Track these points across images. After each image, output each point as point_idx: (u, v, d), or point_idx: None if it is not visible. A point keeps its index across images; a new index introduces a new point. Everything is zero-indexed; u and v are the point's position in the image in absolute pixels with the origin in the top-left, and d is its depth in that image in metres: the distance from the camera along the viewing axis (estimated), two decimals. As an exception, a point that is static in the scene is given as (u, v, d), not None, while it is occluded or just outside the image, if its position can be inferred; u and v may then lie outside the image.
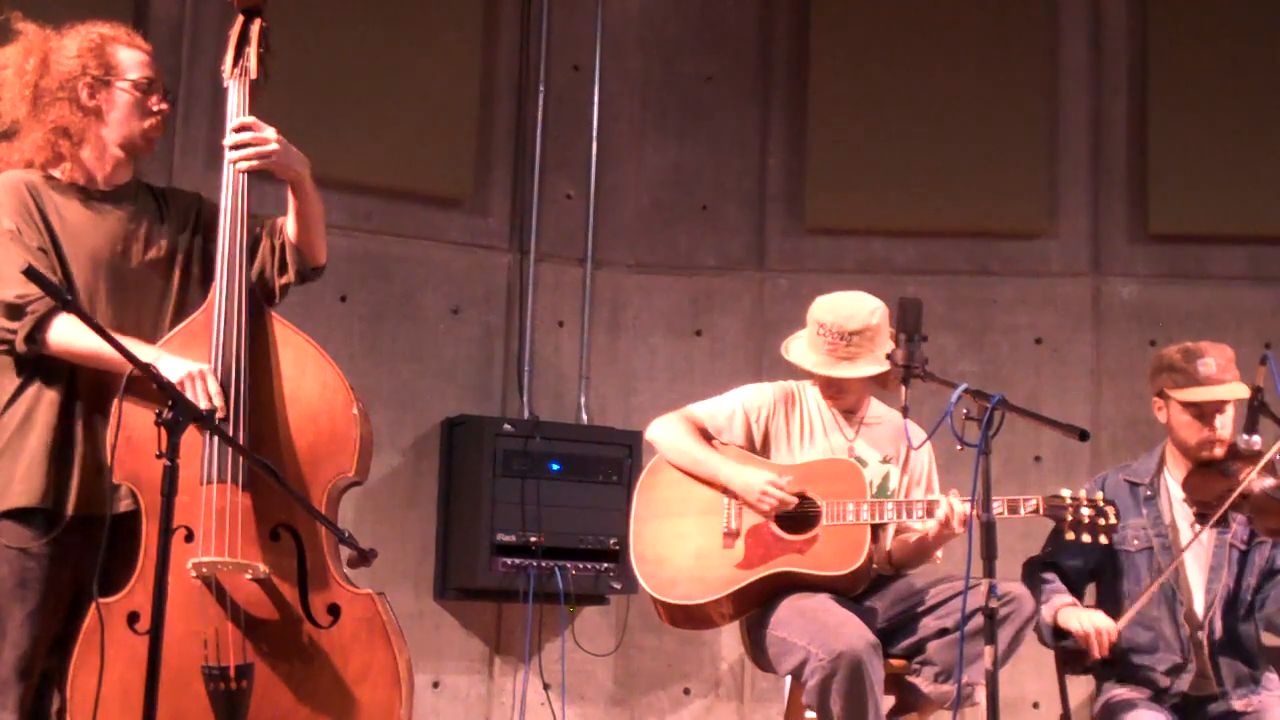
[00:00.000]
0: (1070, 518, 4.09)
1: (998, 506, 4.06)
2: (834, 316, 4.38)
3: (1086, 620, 4.25)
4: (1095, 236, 6.52)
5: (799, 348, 4.50)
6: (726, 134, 6.75)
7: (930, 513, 4.20)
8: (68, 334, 3.53)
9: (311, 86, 5.75)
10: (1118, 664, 4.40)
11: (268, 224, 3.83)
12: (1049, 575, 4.43)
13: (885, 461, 4.46)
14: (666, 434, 4.47)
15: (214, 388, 3.56)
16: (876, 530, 4.29)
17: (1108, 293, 6.50)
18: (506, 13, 6.56)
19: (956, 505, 4.14)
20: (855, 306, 4.41)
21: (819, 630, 4.10)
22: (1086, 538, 4.10)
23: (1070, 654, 4.39)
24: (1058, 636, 4.35)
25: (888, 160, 6.52)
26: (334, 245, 5.78)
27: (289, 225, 3.81)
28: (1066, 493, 4.12)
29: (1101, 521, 4.08)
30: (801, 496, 4.30)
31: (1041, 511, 4.12)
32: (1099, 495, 4.14)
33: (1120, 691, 4.35)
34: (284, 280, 3.80)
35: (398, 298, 6.25)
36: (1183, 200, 6.42)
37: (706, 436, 4.46)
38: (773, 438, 4.45)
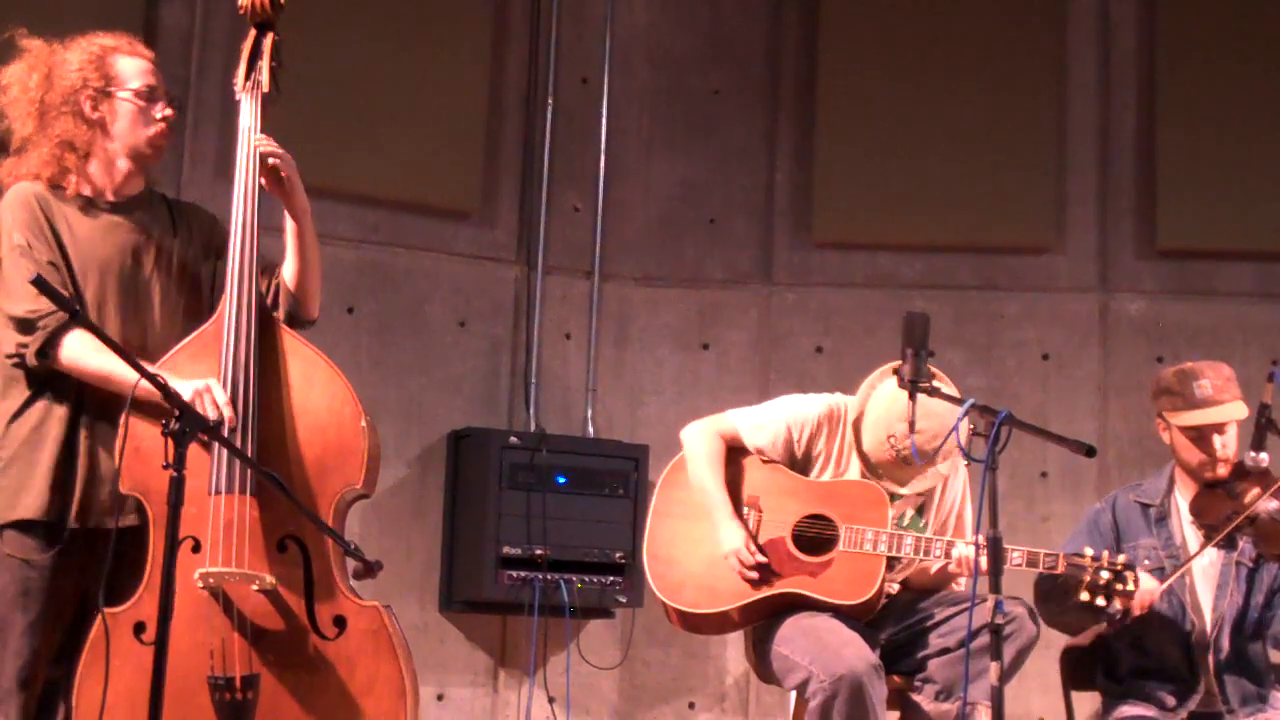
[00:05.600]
0: (1088, 579, 4.04)
1: (1017, 558, 4.05)
2: (921, 437, 4.07)
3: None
4: (1103, 252, 6.51)
5: (870, 431, 4.32)
6: (734, 147, 6.75)
7: (948, 554, 4.19)
8: (79, 352, 3.54)
9: (321, 99, 5.76)
10: (1124, 683, 4.40)
11: (272, 265, 3.85)
12: None
13: (920, 495, 4.42)
14: (694, 445, 4.43)
15: (222, 398, 3.57)
16: (892, 561, 4.26)
17: (1115, 308, 6.50)
18: (515, 26, 6.58)
19: (965, 553, 4.11)
20: (941, 423, 4.10)
21: (821, 651, 4.09)
22: (1101, 601, 4.06)
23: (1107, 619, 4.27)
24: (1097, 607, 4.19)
25: (895, 174, 6.52)
26: (341, 257, 5.87)
27: (287, 269, 3.82)
28: (1089, 552, 4.07)
29: (1119, 586, 4.02)
30: (820, 517, 4.29)
31: (1060, 570, 4.08)
32: (1121, 559, 4.07)
33: (1128, 710, 4.33)
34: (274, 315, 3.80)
35: (405, 310, 6.25)
36: (1191, 216, 6.42)
37: (740, 449, 4.41)
38: (813, 457, 4.40)
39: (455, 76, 6.35)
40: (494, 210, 6.48)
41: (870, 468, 4.32)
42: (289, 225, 3.81)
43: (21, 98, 3.71)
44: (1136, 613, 4.17)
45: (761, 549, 4.29)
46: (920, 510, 4.42)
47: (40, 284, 3.19)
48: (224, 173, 5.60)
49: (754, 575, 4.27)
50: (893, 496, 4.33)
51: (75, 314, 3.27)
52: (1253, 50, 6.45)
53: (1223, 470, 4.28)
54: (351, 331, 6.07)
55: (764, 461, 4.39)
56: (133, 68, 3.77)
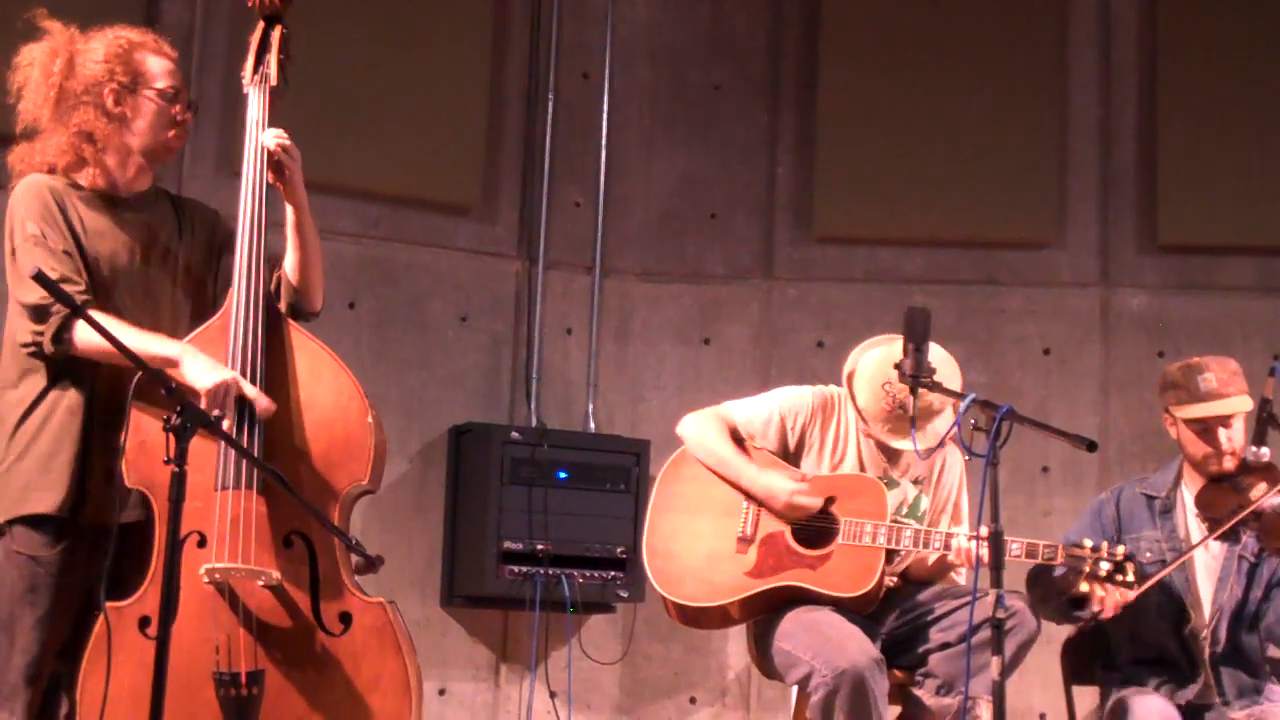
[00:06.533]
0: (1087, 569, 4.04)
1: (1015, 549, 4.05)
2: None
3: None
4: (1104, 247, 6.51)
5: (865, 386, 4.34)
6: (735, 143, 6.75)
7: (948, 546, 4.20)
8: (93, 333, 3.53)
9: (322, 94, 5.75)
10: (1123, 671, 4.41)
11: (276, 259, 3.85)
12: None
13: (917, 483, 4.44)
14: (697, 430, 4.44)
15: (250, 390, 3.56)
16: (891, 553, 4.28)
17: (1116, 303, 6.50)
18: (516, 22, 6.57)
19: (965, 546, 4.13)
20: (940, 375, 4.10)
21: (823, 645, 4.10)
22: (1100, 592, 4.08)
23: (1076, 621, 4.33)
24: (1073, 606, 4.27)
25: (896, 169, 6.52)
26: (342, 252, 5.87)
27: (288, 261, 3.82)
28: (1088, 543, 4.08)
29: (1119, 578, 4.03)
30: (820, 510, 4.30)
31: (1059, 561, 4.09)
32: (1120, 550, 4.10)
33: (1130, 690, 4.33)
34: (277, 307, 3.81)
35: (406, 305, 6.25)
36: (1192, 211, 6.42)
37: (738, 438, 4.43)
38: (806, 446, 4.41)
39: (456, 72, 6.35)
40: (495, 205, 6.48)
41: (866, 421, 4.31)
42: (289, 217, 3.81)
43: (41, 80, 3.69)
44: (1108, 614, 4.18)
45: (760, 543, 4.31)
46: (920, 492, 4.43)
47: (41, 279, 3.19)
48: (225, 168, 5.61)
49: (819, 504, 4.24)
50: (889, 483, 4.34)
51: (77, 309, 3.27)
52: (1253, 46, 6.45)
53: (1229, 464, 4.30)
54: (352, 327, 6.07)
55: (759, 452, 4.40)
56: (159, 67, 3.78)
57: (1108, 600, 4.13)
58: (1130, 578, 4.05)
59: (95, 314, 3.42)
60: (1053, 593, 4.27)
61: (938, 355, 4.17)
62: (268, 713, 3.52)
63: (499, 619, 6.25)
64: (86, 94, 3.69)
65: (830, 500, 4.29)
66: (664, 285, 6.69)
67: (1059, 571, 4.25)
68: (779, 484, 4.29)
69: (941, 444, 4.23)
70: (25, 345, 3.60)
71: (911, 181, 6.50)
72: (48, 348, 3.56)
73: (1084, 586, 4.09)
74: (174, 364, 3.48)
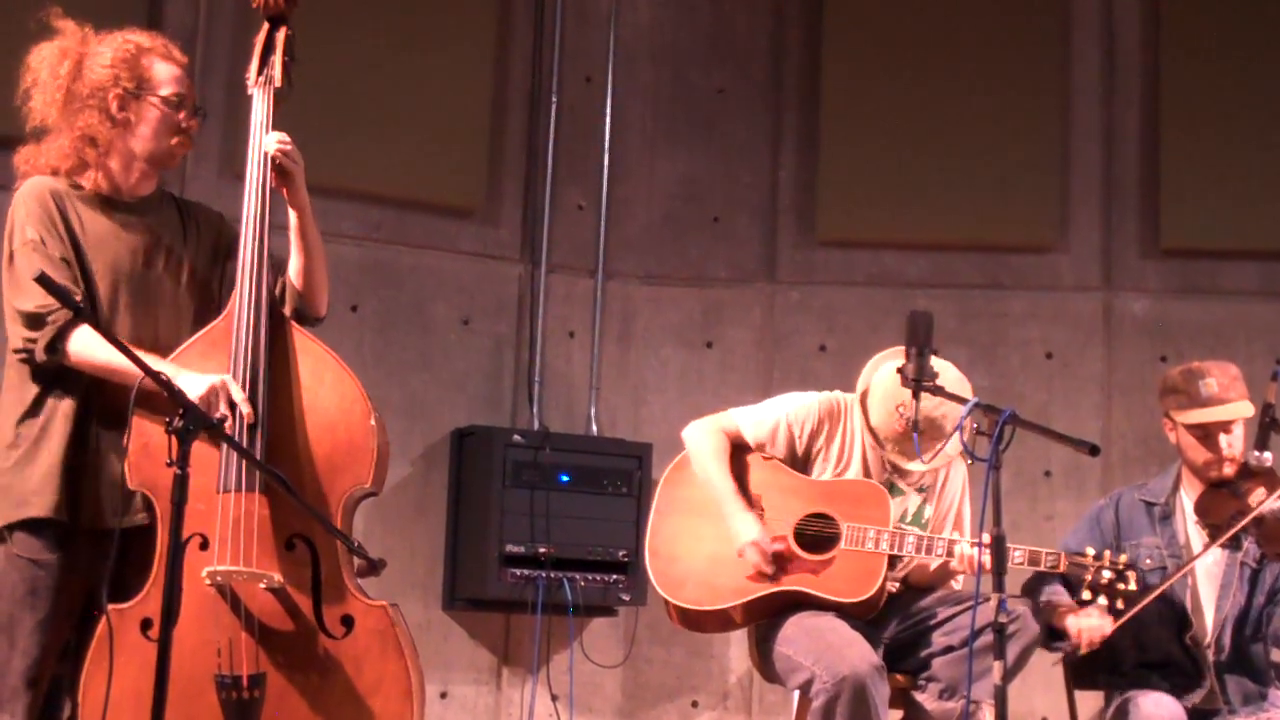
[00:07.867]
0: (1089, 578, 4.07)
1: (1019, 557, 4.06)
2: (926, 408, 4.07)
3: (1081, 622, 4.21)
4: (1107, 251, 6.51)
5: (878, 405, 4.32)
6: (738, 146, 6.75)
7: (950, 552, 4.20)
8: (87, 346, 3.54)
9: (324, 96, 5.75)
10: (1129, 675, 4.41)
11: (281, 263, 3.85)
12: (1056, 586, 4.42)
13: (921, 492, 4.44)
14: (698, 442, 4.43)
15: (238, 394, 3.57)
16: (893, 559, 4.27)
17: (1119, 307, 6.49)
18: (519, 24, 6.57)
19: (968, 552, 4.14)
20: (948, 407, 4.13)
21: (824, 651, 4.10)
22: (1103, 600, 4.08)
23: (1066, 656, 4.38)
24: (1053, 637, 4.32)
25: (899, 173, 6.52)
26: (345, 255, 5.88)
27: (293, 265, 3.82)
28: (1090, 551, 4.09)
29: (1120, 586, 4.06)
30: (822, 516, 4.30)
31: (1061, 568, 4.11)
32: (1122, 558, 4.10)
33: (1136, 691, 4.33)
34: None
35: (408, 308, 6.25)
36: (1194, 215, 6.42)
37: (743, 448, 4.42)
38: (813, 453, 4.41)
39: (459, 74, 6.35)
40: (498, 208, 6.48)
41: (879, 442, 4.31)
42: (292, 221, 3.81)
43: (50, 82, 3.69)
44: (1084, 650, 4.21)
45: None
46: (924, 501, 4.43)
47: (44, 281, 3.18)
48: (228, 170, 5.61)
49: (770, 568, 4.26)
50: (892, 488, 4.34)
51: (80, 311, 3.27)
52: (1256, 49, 6.45)
53: (1229, 469, 4.29)
54: (355, 329, 6.07)
55: (765, 459, 4.40)
56: (165, 73, 3.76)
57: (1083, 636, 4.17)
58: (1132, 586, 4.05)
59: (90, 330, 3.43)
60: (1075, 596, 4.27)
61: (952, 375, 4.19)
62: (269, 716, 3.51)
63: (501, 622, 6.25)
64: (92, 98, 3.68)
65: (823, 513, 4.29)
66: (666, 288, 6.70)
67: (1044, 597, 4.32)
68: (745, 529, 4.28)
69: (948, 458, 4.25)
70: (17, 351, 3.60)
71: (914, 185, 6.50)
72: (40, 356, 3.56)
73: (1086, 594, 4.09)
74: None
